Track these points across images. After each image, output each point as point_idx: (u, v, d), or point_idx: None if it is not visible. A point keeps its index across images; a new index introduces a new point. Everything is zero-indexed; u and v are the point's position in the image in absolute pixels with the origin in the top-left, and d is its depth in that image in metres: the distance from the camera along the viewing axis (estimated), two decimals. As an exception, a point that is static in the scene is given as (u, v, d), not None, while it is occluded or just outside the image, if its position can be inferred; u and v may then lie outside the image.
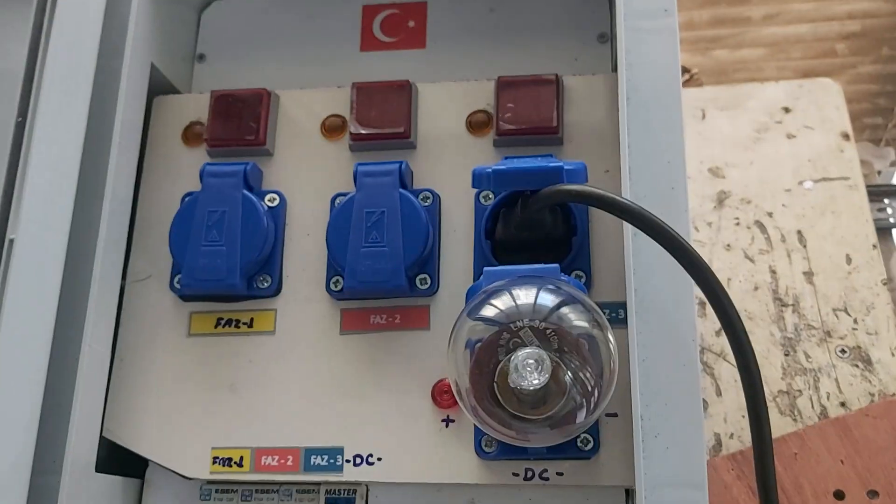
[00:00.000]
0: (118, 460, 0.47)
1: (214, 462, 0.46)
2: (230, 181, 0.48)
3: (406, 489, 0.45)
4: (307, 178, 0.50)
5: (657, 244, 0.38)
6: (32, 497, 0.41)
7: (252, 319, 0.48)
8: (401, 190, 0.46)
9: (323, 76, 0.54)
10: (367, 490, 0.46)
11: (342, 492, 0.46)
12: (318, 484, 0.46)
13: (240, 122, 0.50)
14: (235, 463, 0.46)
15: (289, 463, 0.45)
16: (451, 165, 0.49)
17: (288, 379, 0.47)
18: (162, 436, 0.47)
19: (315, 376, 0.46)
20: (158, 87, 0.53)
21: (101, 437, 0.47)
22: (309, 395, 0.46)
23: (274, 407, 0.46)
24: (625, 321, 0.42)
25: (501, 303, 0.39)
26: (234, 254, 0.46)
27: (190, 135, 0.52)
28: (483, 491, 0.45)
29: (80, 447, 0.44)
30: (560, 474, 0.43)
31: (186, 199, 0.50)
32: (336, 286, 0.47)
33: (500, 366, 0.37)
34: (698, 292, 0.39)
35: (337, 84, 0.52)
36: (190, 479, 0.46)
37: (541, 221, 0.44)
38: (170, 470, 0.46)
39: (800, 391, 0.68)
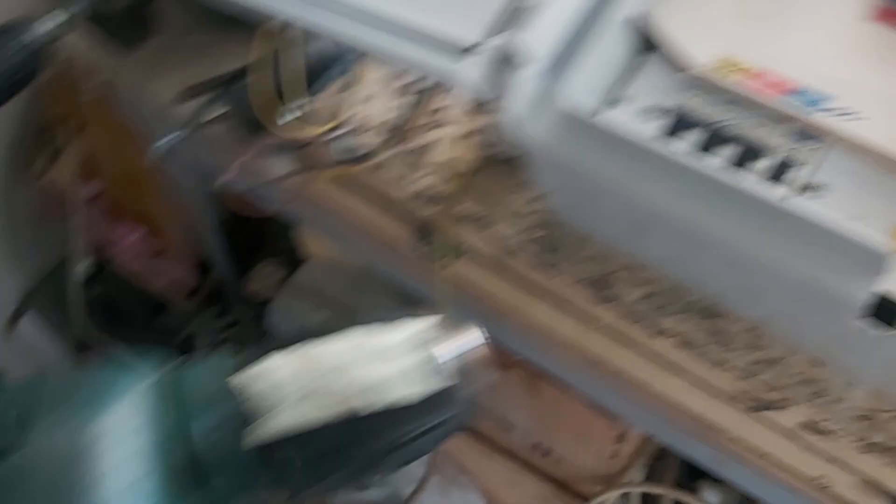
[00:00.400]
0: None
1: (717, 65, 0.53)
2: None
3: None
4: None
5: None
6: None
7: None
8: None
9: None
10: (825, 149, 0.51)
11: (808, 136, 0.51)
12: (791, 118, 0.52)
13: None
14: (734, 70, 0.52)
15: (781, 90, 0.51)
16: None
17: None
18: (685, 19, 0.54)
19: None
20: None
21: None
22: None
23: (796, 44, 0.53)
24: None
25: None
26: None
27: None
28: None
29: None
30: None
31: None
32: None
33: None
34: None
35: None
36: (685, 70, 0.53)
37: None
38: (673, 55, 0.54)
39: None
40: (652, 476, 1.00)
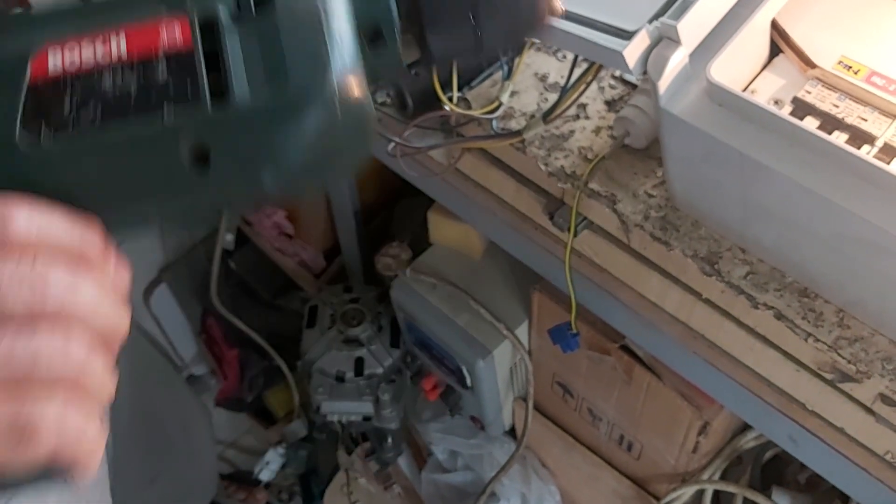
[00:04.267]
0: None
1: (835, 66, 0.64)
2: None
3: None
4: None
5: None
6: None
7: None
8: None
9: None
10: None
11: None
12: (896, 113, 0.62)
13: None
14: (853, 70, 0.63)
15: (891, 88, 0.62)
16: None
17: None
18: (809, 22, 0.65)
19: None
20: None
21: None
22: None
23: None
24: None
25: None
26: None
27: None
28: None
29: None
30: None
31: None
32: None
33: None
34: None
35: None
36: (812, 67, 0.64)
37: None
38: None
39: None
40: (726, 478, 1.07)
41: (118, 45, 0.37)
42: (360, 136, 0.39)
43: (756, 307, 0.73)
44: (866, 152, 0.61)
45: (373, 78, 0.40)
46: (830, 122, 0.63)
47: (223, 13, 0.38)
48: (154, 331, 1.60)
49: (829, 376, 0.71)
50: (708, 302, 0.77)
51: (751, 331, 0.75)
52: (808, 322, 0.72)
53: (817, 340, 0.71)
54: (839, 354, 0.70)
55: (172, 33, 0.38)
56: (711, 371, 0.82)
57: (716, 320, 0.77)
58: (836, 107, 0.63)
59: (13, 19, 0.39)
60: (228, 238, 1.36)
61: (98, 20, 0.38)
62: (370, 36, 0.41)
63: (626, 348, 1.00)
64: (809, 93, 0.64)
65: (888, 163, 0.60)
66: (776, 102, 0.64)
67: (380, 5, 0.41)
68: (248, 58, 0.37)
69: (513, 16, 0.44)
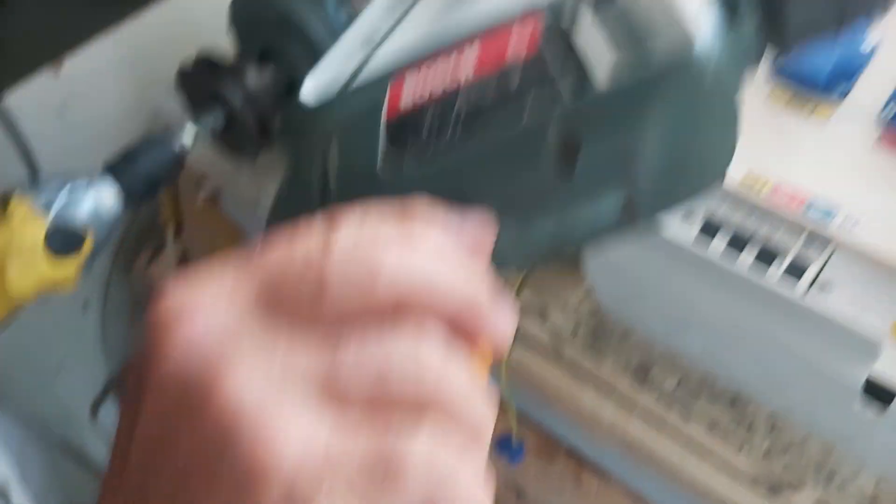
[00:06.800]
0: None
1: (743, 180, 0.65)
2: None
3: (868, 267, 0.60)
4: None
5: None
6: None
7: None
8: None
9: None
10: (832, 253, 0.62)
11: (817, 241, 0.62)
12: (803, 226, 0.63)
13: None
14: (760, 185, 0.64)
15: (793, 203, 0.63)
16: None
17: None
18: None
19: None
20: None
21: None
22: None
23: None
24: None
25: None
26: None
27: None
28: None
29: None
30: None
31: None
32: None
33: None
34: None
35: None
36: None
37: None
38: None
39: None
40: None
41: (472, 58, 0.37)
42: (730, 120, 0.36)
43: (688, 419, 0.73)
44: (775, 269, 0.61)
45: (736, 57, 0.36)
46: (740, 239, 0.63)
47: (570, 2, 0.36)
48: (103, 448, 1.57)
49: (763, 489, 0.71)
50: (643, 412, 0.77)
51: (686, 442, 0.75)
52: (741, 431, 0.72)
53: (750, 450, 0.71)
54: (772, 464, 0.70)
55: (524, 34, 0.37)
56: (654, 479, 0.81)
57: (651, 432, 0.77)
58: (745, 223, 0.64)
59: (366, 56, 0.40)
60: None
61: (451, 36, 0.38)
62: (726, 10, 0.37)
63: (572, 452, 0.99)
64: (719, 208, 0.65)
65: (797, 279, 0.61)
66: (686, 219, 0.65)
67: None
68: (603, 41, 0.35)
69: None
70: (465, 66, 0.37)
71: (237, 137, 1.00)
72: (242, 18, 1.03)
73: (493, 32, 0.37)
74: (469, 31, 0.37)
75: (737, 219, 0.64)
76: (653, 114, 0.35)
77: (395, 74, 0.38)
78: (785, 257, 0.62)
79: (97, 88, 1.36)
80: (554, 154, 0.35)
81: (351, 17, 0.92)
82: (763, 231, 0.63)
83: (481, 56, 0.37)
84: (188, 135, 0.92)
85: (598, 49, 0.35)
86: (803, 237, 0.62)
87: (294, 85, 1.00)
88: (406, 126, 0.37)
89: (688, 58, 0.34)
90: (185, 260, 1.45)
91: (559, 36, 0.36)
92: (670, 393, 0.74)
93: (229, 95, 0.92)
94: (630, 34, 0.35)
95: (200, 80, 0.93)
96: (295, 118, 0.42)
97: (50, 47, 1.30)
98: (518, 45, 0.36)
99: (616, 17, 0.35)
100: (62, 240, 0.79)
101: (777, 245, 0.62)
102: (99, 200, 0.82)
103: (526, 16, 0.37)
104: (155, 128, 1.34)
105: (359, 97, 0.39)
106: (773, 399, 0.71)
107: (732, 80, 0.36)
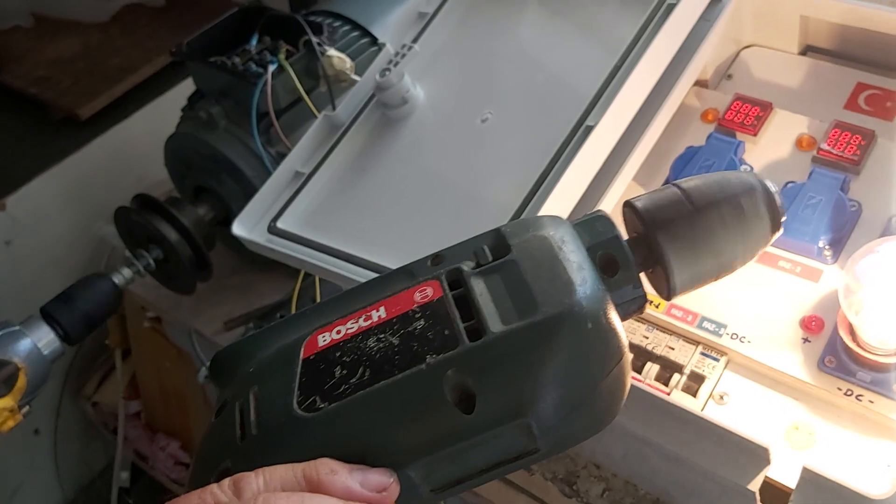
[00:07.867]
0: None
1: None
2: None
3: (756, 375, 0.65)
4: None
5: None
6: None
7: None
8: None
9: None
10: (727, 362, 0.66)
11: (711, 355, 0.67)
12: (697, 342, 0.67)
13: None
14: (654, 304, 0.69)
15: (688, 319, 0.68)
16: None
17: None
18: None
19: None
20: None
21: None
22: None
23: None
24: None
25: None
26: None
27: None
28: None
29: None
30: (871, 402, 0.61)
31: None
32: None
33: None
34: None
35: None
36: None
37: None
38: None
39: None
40: None
41: (377, 315, 0.42)
42: (613, 356, 0.41)
43: (615, 525, 0.76)
44: (676, 381, 0.66)
45: (617, 303, 0.42)
46: (643, 354, 0.68)
47: (467, 267, 0.43)
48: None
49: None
50: (574, 521, 0.80)
51: (615, 549, 0.78)
52: (666, 535, 0.75)
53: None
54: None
55: (425, 293, 0.42)
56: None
57: (583, 540, 0.79)
58: (647, 338, 0.68)
59: (289, 320, 0.46)
60: (123, 476, 1.34)
61: (358, 302, 0.44)
62: (605, 265, 0.44)
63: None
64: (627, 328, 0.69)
65: (696, 389, 0.65)
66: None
67: (606, 234, 0.45)
68: (496, 298, 0.41)
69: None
70: (373, 319, 0.42)
71: (174, 271, 1.04)
72: (177, 158, 1.09)
73: (397, 293, 0.43)
74: (376, 294, 0.44)
75: (638, 337, 0.69)
76: (543, 354, 0.39)
77: (310, 334, 0.43)
78: (685, 370, 0.66)
79: (42, 221, 1.40)
80: (454, 395, 0.39)
81: (281, 155, 0.98)
82: (663, 346, 0.68)
83: (388, 311, 0.43)
84: (125, 273, 0.96)
85: (490, 307, 0.41)
86: (696, 350, 0.67)
87: (229, 217, 1.05)
88: (319, 369, 0.42)
89: (570, 305, 0.40)
90: (133, 383, 1.47)
91: (460, 296, 0.42)
92: (596, 500, 0.77)
93: (166, 233, 0.97)
94: (518, 292, 0.41)
95: (138, 219, 0.98)
96: (221, 362, 0.47)
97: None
98: (421, 301, 0.42)
99: (504, 279, 0.42)
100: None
101: (677, 360, 0.67)
102: (36, 342, 0.86)
103: (425, 281, 0.43)
104: (99, 256, 1.37)
105: (279, 352, 0.44)
106: (689, 503, 0.74)
107: (612, 327, 0.41)
